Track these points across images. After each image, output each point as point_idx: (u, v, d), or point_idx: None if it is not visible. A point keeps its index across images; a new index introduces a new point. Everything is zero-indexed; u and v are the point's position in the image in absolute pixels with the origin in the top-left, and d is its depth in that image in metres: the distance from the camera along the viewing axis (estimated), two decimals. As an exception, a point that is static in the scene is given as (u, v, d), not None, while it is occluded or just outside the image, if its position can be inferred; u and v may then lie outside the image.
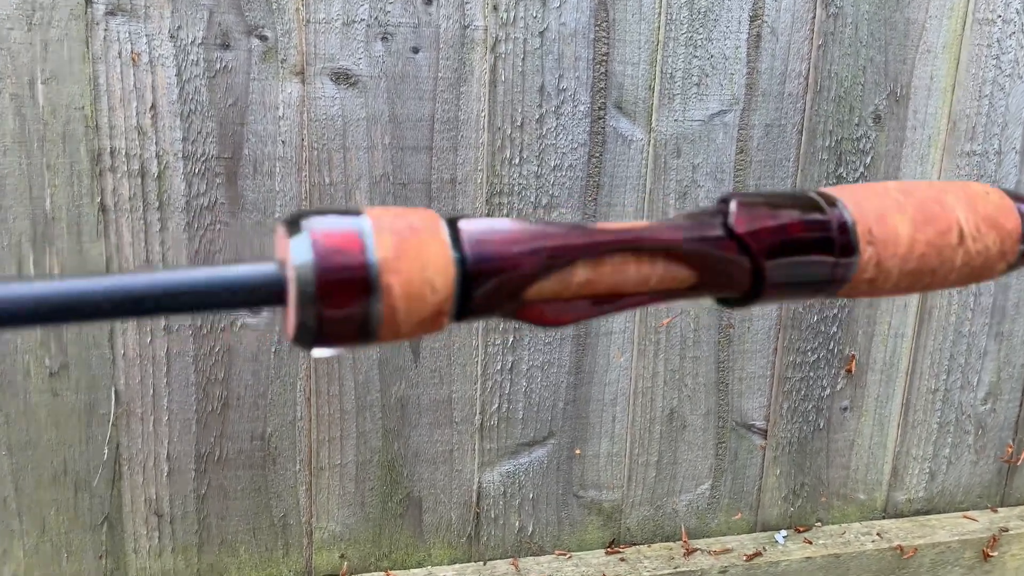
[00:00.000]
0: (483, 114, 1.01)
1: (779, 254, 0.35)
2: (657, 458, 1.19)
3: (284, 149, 0.97)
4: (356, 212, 0.31)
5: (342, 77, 0.97)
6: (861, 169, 1.15)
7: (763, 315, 1.17)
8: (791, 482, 1.25)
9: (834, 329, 1.20)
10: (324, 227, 0.30)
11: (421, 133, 1.00)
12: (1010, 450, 1.32)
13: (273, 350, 1.02)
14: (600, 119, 1.05)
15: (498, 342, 1.08)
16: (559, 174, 1.05)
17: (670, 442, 1.18)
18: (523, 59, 1.01)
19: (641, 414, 1.16)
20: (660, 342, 1.14)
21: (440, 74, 0.99)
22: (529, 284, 0.32)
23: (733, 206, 0.36)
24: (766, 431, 1.22)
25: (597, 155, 1.06)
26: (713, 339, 1.16)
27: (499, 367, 1.09)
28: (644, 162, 1.08)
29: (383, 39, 0.97)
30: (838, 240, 0.36)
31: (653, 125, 1.07)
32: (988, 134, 1.18)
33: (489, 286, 0.32)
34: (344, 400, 1.05)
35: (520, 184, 1.04)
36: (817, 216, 0.36)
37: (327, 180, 0.98)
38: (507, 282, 0.32)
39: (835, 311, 1.20)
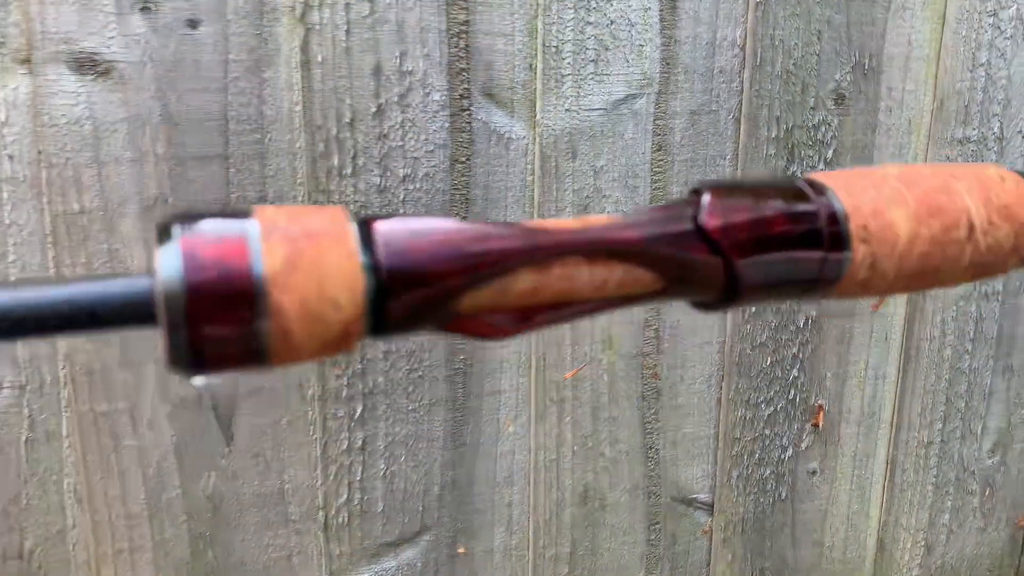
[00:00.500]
0: (297, 108, 0.74)
1: (755, 251, 0.31)
2: (570, 549, 0.91)
3: (13, 167, 0.70)
4: (244, 214, 0.26)
5: (87, 64, 0.69)
6: (821, 165, 0.88)
7: (701, 359, 0.90)
8: (747, 568, 0.98)
9: (795, 373, 0.93)
10: (199, 234, 0.25)
11: (210, 137, 0.73)
12: (1025, 511, 1.06)
13: (23, 439, 0.75)
14: (464, 111, 0.78)
15: (342, 413, 0.81)
16: (411, 187, 0.78)
17: (586, 528, 0.91)
18: (347, 31, 0.74)
19: (546, 495, 0.89)
20: (565, 400, 0.87)
21: (232, 55, 0.72)
22: (458, 296, 0.28)
23: (706, 199, 0.31)
24: (712, 506, 0.95)
25: (463, 159, 0.79)
26: (635, 392, 0.89)
27: (345, 446, 0.82)
28: (528, 167, 0.81)
29: (144, 9, 0.70)
30: (827, 232, 0.31)
31: (538, 117, 0.80)
32: (986, 114, 0.91)
33: (408, 299, 0.27)
34: (129, 501, 0.78)
35: (357, 202, 0.77)
36: (801, 207, 0.32)
37: (77, 207, 0.71)
38: (431, 295, 0.27)
39: (795, 350, 0.93)
